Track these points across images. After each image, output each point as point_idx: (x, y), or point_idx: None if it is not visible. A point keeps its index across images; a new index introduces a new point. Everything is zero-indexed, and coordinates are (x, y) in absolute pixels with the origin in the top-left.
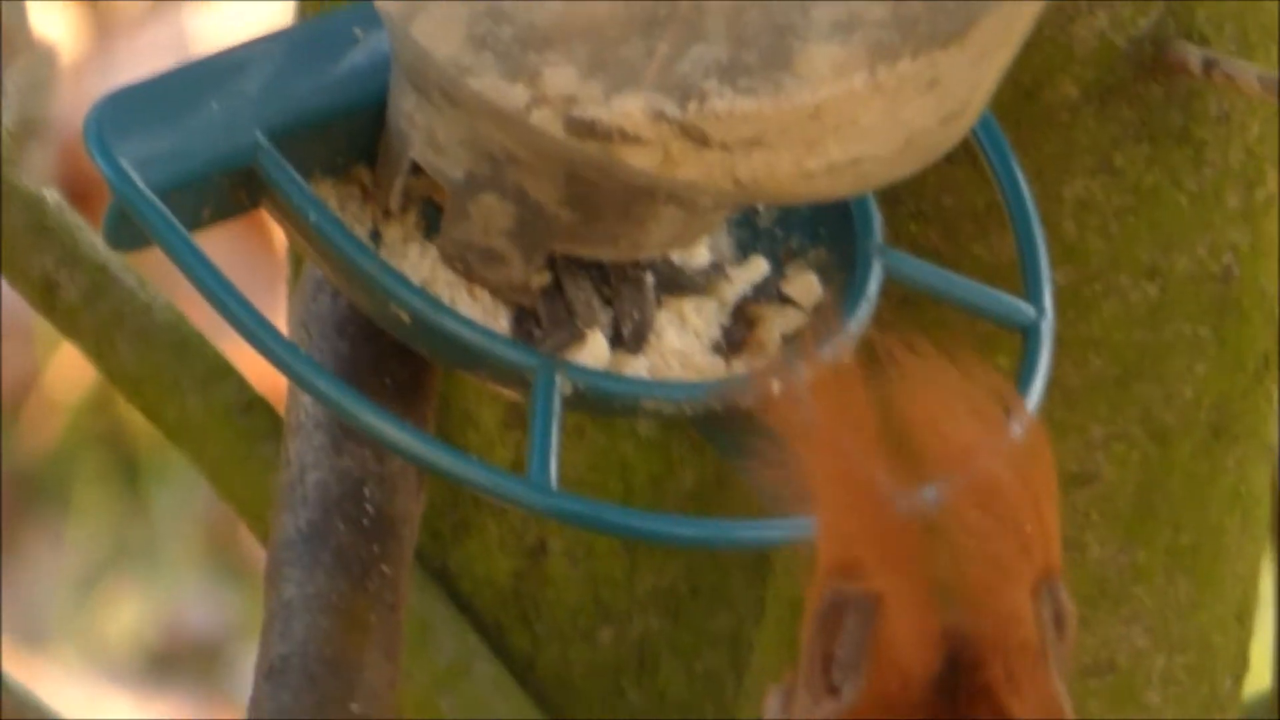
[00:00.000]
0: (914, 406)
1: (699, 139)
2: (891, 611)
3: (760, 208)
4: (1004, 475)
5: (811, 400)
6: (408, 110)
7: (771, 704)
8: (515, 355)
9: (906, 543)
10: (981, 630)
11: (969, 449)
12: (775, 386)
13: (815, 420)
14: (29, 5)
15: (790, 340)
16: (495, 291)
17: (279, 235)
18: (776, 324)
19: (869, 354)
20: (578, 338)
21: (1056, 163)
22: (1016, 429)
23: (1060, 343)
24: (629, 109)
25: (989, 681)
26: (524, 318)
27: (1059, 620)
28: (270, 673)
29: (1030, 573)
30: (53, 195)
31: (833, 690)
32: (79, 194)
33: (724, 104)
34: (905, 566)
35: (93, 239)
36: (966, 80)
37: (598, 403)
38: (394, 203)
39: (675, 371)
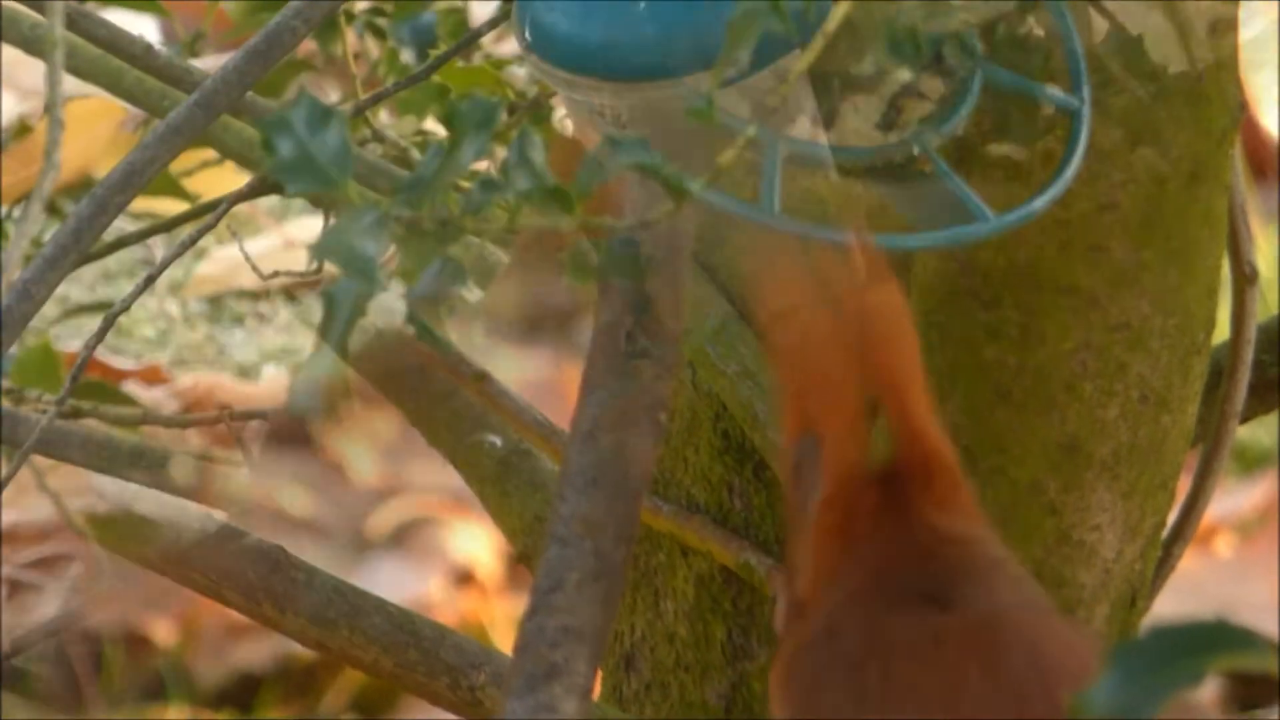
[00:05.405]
0: None
1: None
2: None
3: None
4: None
5: None
6: None
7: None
8: (750, 130)
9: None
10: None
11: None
12: None
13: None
14: None
15: (924, 121)
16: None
17: None
18: (915, 110)
19: None
20: (792, 120)
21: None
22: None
23: (1093, 121)
24: None
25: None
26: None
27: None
28: (604, 328)
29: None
30: None
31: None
32: None
33: None
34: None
35: None
36: None
37: (803, 160)
38: None
39: (851, 140)
